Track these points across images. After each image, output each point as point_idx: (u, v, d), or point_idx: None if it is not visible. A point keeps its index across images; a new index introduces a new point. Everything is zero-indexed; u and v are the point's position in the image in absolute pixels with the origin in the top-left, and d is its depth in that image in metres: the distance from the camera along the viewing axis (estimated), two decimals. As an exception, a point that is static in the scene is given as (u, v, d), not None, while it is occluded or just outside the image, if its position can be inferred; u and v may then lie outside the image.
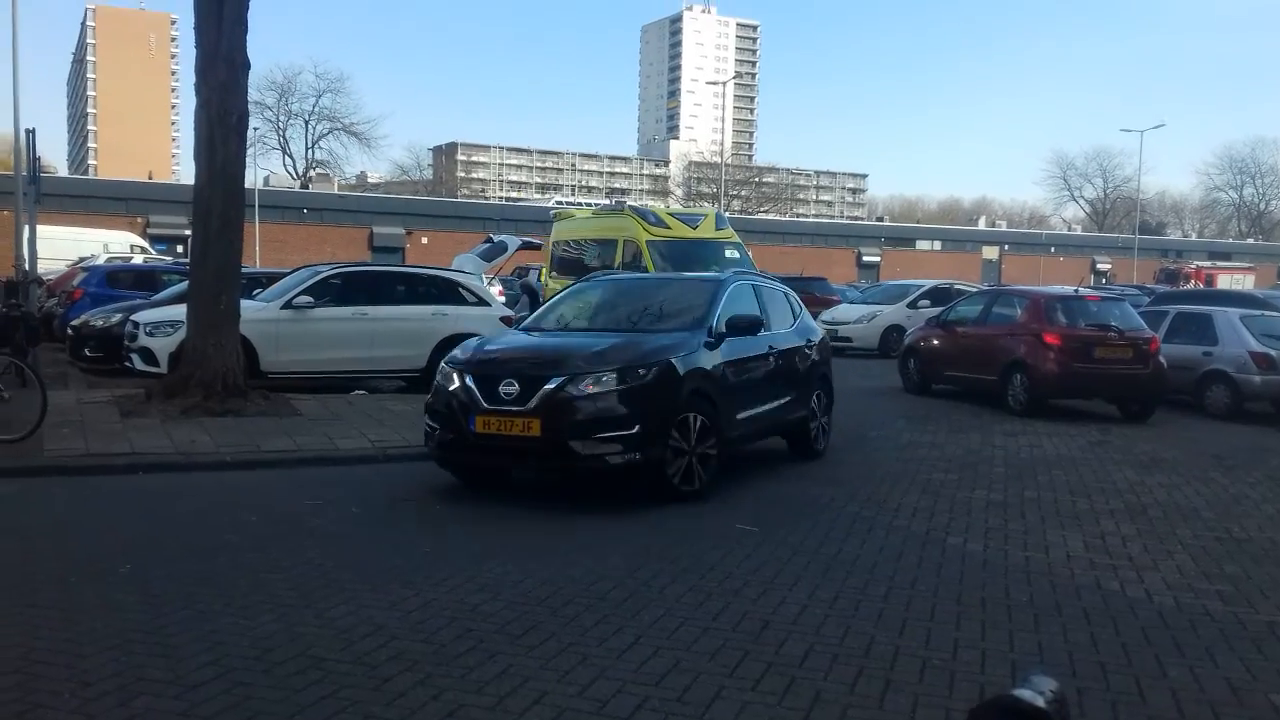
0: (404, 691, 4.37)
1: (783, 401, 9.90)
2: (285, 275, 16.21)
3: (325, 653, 4.77)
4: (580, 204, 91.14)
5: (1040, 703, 1.20)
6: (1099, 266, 78.35)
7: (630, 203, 23.07)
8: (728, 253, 18.28)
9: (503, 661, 4.73)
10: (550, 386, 7.77)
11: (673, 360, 8.23)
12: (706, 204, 70.56)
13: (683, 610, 5.54)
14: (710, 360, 8.66)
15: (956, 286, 25.85)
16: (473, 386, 8.01)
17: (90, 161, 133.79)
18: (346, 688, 4.38)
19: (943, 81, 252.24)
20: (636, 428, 7.79)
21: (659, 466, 7.97)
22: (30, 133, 19.04)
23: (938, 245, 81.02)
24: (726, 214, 19.40)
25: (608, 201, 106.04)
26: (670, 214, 18.60)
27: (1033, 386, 14.25)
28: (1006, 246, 79.84)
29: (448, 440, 8.21)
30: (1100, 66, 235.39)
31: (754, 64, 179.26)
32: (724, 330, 8.91)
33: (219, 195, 12.26)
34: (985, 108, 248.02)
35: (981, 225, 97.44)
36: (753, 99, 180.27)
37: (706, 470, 8.35)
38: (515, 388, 7.86)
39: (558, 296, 10.85)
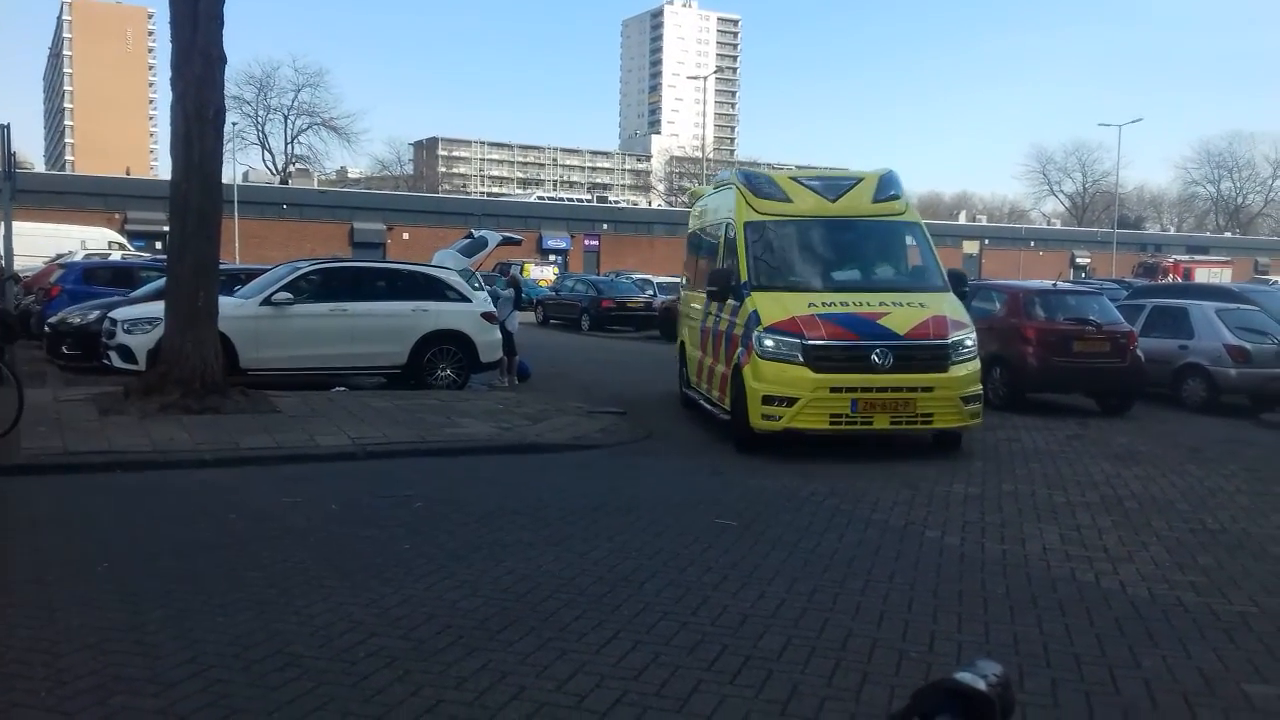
0: (383, 688, 4.37)
1: None
2: (265, 271, 16.16)
3: (304, 650, 4.77)
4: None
5: (981, 685, 1.23)
6: (1078, 260, 78.79)
7: (743, 167, 17.28)
8: (907, 241, 12.01)
9: (481, 657, 4.74)
10: None
11: None
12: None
13: (661, 605, 5.57)
14: None
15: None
16: None
17: (68, 157, 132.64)
18: (325, 684, 4.39)
19: (923, 75, 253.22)
20: None
21: None
22: (5, 128, 18.89)
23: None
24: None
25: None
26: (797, 179, 12.17)
27: (1012, 380, 14.36)
28: (987, 241, 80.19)
29: None
30: (1079, 61, 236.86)
31: (735, 58, 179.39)
32: None
33: (196, 191, 12.19)
34: (965, 101, 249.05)
35: (962, 220, 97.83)
36: (734, 93, 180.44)
37: None
38: None
39: None
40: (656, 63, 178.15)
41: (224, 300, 12.94)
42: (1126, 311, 16.08)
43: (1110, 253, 69.05)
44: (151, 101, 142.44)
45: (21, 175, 24.01)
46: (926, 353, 10.34)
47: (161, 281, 14.78)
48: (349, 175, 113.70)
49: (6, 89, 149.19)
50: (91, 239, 35.65)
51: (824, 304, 10.66)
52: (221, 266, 13.49)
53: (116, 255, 30.11)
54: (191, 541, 6.60)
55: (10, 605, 5.30)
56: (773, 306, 10.64)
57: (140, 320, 13.94)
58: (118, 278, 20.19)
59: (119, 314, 14.45)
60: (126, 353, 13.85)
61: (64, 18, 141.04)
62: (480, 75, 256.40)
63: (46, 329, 16.70)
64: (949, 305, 11.01)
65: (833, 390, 10.09)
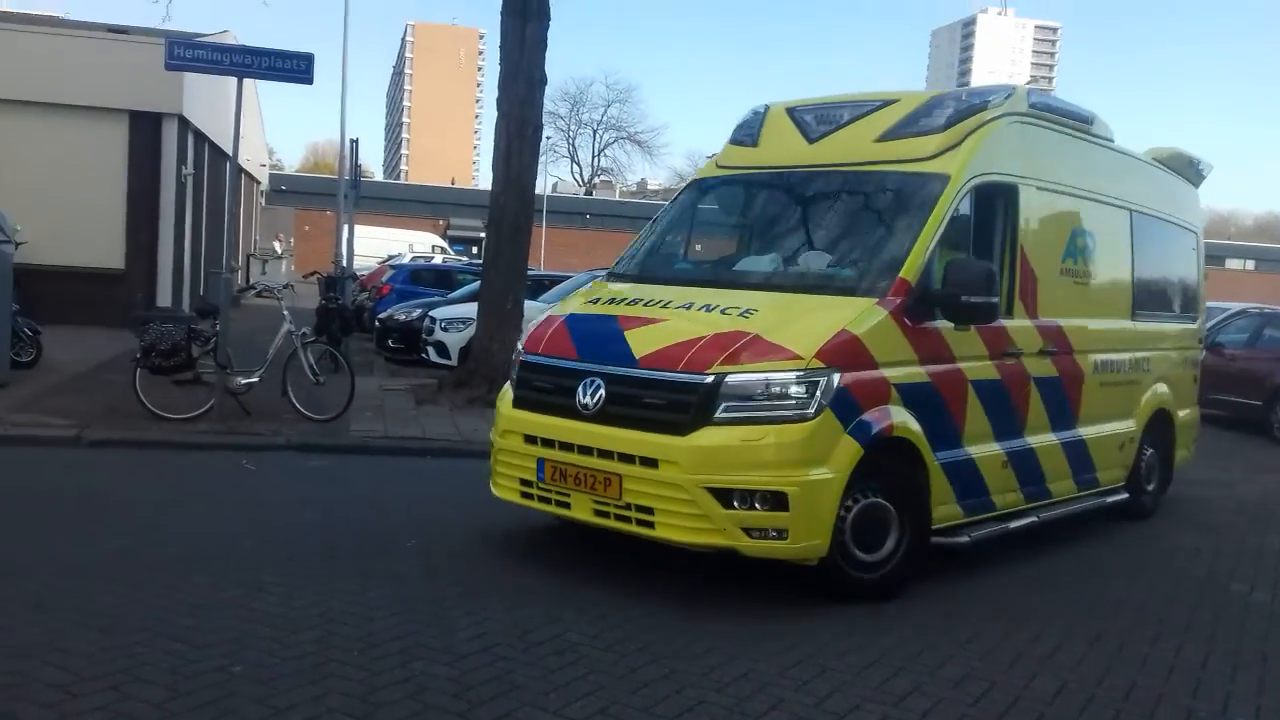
0: (649, 682, 4.59)
1: None
2: (565, 279, 17.11)
3: (579, 639, 5.07)
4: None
5: None
6: None
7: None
8: (898, 206, 6.70)
9: (743, 665, 4.87)
10: None
11: None
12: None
13: (929, 634, 5.48)
14: None
15: (1267, 311, 23.54)
16: None
17: (402, 167, 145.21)
18: (596, 672, 4.66)
19: (1263, 83, 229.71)
20: None
21: None
22: (354, 142, 21.07)
23: (1251, 265, 74.05)
24: None
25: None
26: (794, 111, 7.70)
27: None
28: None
29: None
30: None
31: (1051, 67, 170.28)
32: None
33: (512, 203, 13.11)
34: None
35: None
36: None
37: None
38: None
39: None
40: (965, 73, 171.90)
41: (529, 305, 13.83)
42: None
43: None
44: (477, 116, 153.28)
45: (364, 184, 26.59)
46: (660, 394, 5.82)
47: (476, 284, 15.98)
48: (648, 187, 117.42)
49: (356, 106, 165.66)
50: (418, 243, 39.00)
51: (609, 300, 6.87)
52: (528, 272, 14.42)
53: (439, 259, 32.75)
54: (488, 526, 7.15)
55: (330, 574, 5.97)
56: (561, 304, 7.60)
57: (455, 320, 15.15)
58: (439, 279, 22.07)
59: (437, 313, 15.77)
60: (442, 349, 15.10)
61: (407, 39, 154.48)
62: (780, 86, 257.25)
63: (376, 324, 18.46)
64: (799, 320, 5.99)
65: (527, 440, 6.32)
